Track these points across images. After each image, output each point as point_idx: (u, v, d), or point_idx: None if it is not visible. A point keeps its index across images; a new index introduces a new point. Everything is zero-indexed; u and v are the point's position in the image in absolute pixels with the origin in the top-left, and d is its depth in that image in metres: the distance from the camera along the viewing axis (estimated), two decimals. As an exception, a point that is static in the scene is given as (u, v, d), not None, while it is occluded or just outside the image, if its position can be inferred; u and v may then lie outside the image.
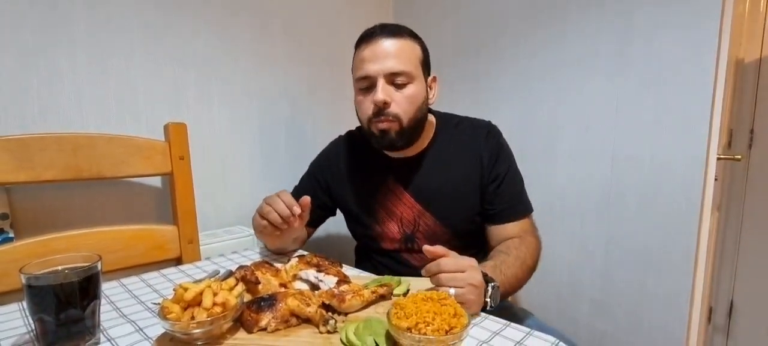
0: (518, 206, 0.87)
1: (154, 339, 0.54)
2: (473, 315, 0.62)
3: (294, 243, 0.92)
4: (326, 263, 0.71)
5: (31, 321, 0.57)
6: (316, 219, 0.99)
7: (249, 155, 1.24)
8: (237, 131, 1.21)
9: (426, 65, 0.84)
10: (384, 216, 0.90)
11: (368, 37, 0.81)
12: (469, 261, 0.64)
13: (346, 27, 1.47)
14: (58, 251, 0.57)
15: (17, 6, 0.84)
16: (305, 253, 0.78)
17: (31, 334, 0.57)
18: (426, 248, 0.64)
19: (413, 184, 0.87)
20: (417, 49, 0.82)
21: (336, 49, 1.44)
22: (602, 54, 1.13)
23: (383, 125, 0.80)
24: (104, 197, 0.97)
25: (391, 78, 0.79)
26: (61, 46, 0.90)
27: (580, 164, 1.20)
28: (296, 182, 1.05)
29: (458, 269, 0.62)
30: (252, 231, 1.15)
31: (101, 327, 0.58)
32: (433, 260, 0.64)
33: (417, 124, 0.83)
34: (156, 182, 1.06)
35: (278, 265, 0.69)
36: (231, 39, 1.17)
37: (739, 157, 1.25)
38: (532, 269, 0.80)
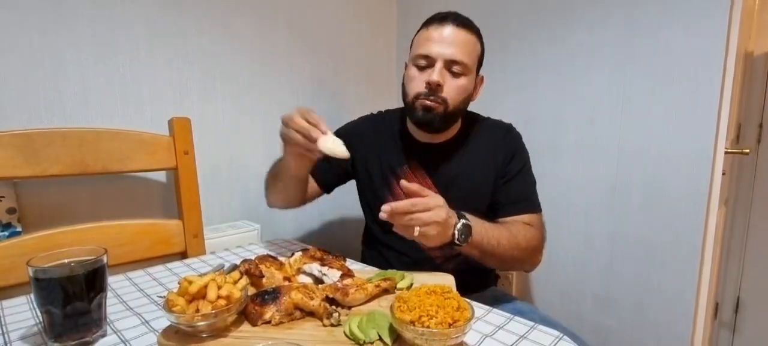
0: (525, 203, 0.88)
1: (159, 332, 0.54)
2: (435, 246, 0.70)
3: (299, 194, 0.94)
4: (330, 257, 0.71)
5: (38, 313, 0.57)
6: (330, 183, 1.02)
7: (253, 150, 1.25)
8: (241, 126, 1.21)
9: (480, 64, 0.88)
10: (399, 192, 0.91)
11: (440, 19, 0.83)
12: (438, 199, 0.68)
13: (350, 21, 1.46)
14: (65, 245, 0.57)
15: (23, 3, 0.85)
16: (309, 247, 0.78)
17: (39, 326, 0.57)
18: (403, 183, 0.68)
19: (434, 168, 0.91)
20: (478, 47, 0.86)
21: (340, 43, 1.44)
22: (608, 46, 1.12)
23: (430, 103, 0.82)
24: (110, 192, 0.98)
25: (450, 65, 0.81)
26: (66, 42, 0.90)
27: (585, 158, 1.19)
28: None
29: (426, 207, 0.66)
30: (256, 225, 1.16)
31: (108, 320, 0.58)
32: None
33: (458, 114, 0.87)
34: (161, 176, 1.06)
35: (282, 259, 0.70)
36: (235, 34, 1.17)
37: (748, 151, 1.23)
38: (523, 251, 0.80)
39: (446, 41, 0.81)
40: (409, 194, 0.67)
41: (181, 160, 0.95)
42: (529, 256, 0.83)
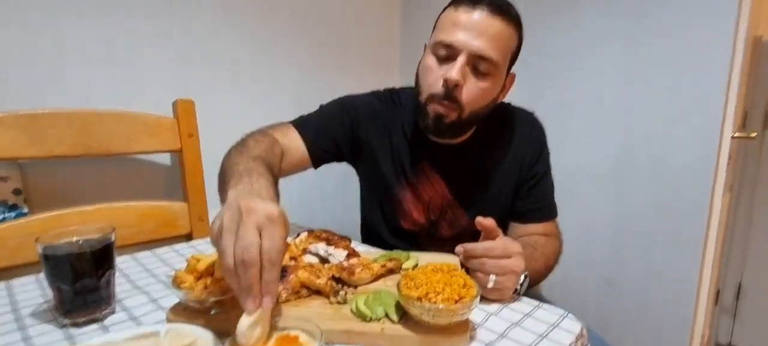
0: (547, 209, 0.84)
1: (168, 309, 0.55)
2: (501, 301, 0.59)
3: None
4: (335, 237, 0.71)
5: (48, 291, 0.58)
6: (321, 158, 0.85)
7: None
8: (245, 108, 1.20)
9: (513, 60, 0.75)
10: (410, 196, 0.84)
11: (473, 0, 0.68)
12: (516, 246, 0.59)
13: (353, 3, 1.44)
14: (71, 226, 0.58)
15: (24, -18, 0.84)
16: (314, 228, 0.78)
17: (49, 303, 0.58)
18: (478, 219, 0.59)
19: (451, 174, 0.81)
20: (514, 41, 0.72)
21: (343, 23, 1.43)
22: (615, 29, 1.10)
23: (441, 109, 0.70)
24: (115, 174, 0.98)
25: (475, 60, 0.68)
26: (68, 22, 0.89)
27: (590, 142, 1.19)
28: None
29: (505, 254, 0.58)
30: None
31: (116, 298, 0.59)
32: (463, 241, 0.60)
33: (474, 121, 0.75)
34: (165, 159, 1.06)
35: (288, 239, 0.70)
36: (237, 16, 1.16)
37: (754, 134, 1.22)
38: (551, 270, 0.77)
39: (476, 30, 0.66)
40: (484, 230, 0.60)
41: (186, 143, 0.94)
42: (553, 268, 0.78)
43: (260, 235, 0.42)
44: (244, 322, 0.42)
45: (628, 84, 1.10)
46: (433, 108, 0.71)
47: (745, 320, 1.70)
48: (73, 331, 0.52)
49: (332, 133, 0.85)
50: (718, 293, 1.69)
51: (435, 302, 0.46)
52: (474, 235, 0.81)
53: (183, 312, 0.53)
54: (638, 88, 1.09)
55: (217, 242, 0.44)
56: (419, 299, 0.47)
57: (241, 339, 0.42)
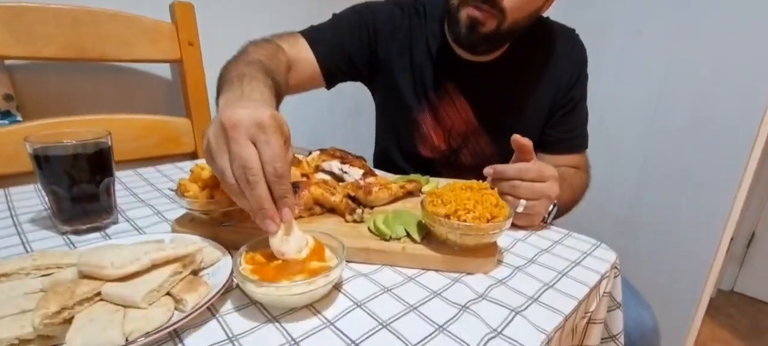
0: (579, 139, 0.78)
1: (173, 221, 0.51)
2: (528, 227, 0.56)
3: None
4: (350, 156, 0.66)
5: (46, 199, 0.54)
6: (335, 76, 0.77)
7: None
8: (249, 18, 1.09)
9: None
10: (430, 120, 0.77)
11: None
12: (552, 171, 0.54)
13: None
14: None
15: None
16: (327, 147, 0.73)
17: (49, 211, 0.55)
18: (515, 137, 0.53)
19: (477, 96, 0.74)
20: None
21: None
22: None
23: (478, 14, 0.61)
24: (112, 86, 0.91)
25: None
26: None
27: (627, 72, 1.09)
28: None
29: (540, 177, 0.52)
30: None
31: (119, 209, 0.55)
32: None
33: (514, 33, 0.66)
34: (166, 72, 0.99)
35: (300, 156, 0.65)
36: None
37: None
38: (576, 204, 0.72)
39: None
40: (520, 150, 0.54)
41: (186, 52, 0.86)
42: (578, 203, 0.73)
43: (256, 146, 0.37)
44: (274, 243, 0.38)
45: (675, 8, 0.98)
46: (468, 12, 0.62)
47: (751, 268, 1.69)
48: (74, 238, 0.49)
49: (348, 48, 0.76)
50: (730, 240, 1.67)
51: (464, 220, 0.42)
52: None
53: (189, 223, 0.50)
54: (686, 12, 0.96)
55: (211, 164, 0.39)
56: (447, 216, 0.43)
57: (286, 247, 0.39)
